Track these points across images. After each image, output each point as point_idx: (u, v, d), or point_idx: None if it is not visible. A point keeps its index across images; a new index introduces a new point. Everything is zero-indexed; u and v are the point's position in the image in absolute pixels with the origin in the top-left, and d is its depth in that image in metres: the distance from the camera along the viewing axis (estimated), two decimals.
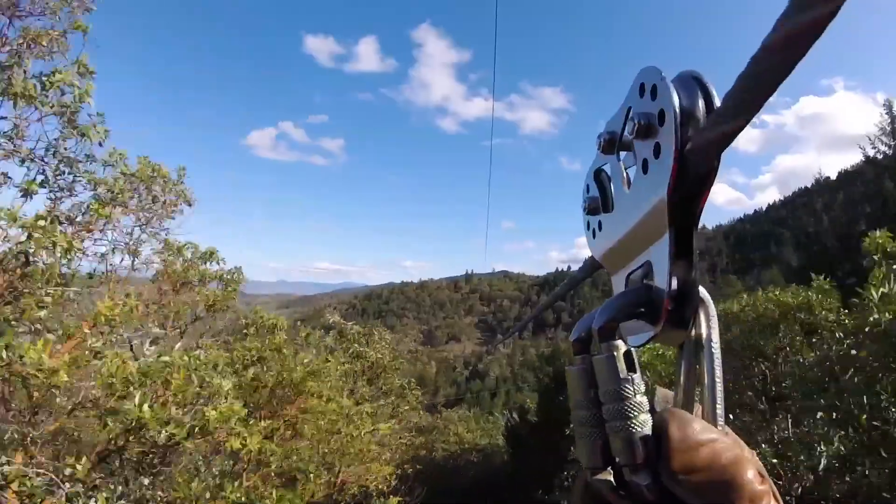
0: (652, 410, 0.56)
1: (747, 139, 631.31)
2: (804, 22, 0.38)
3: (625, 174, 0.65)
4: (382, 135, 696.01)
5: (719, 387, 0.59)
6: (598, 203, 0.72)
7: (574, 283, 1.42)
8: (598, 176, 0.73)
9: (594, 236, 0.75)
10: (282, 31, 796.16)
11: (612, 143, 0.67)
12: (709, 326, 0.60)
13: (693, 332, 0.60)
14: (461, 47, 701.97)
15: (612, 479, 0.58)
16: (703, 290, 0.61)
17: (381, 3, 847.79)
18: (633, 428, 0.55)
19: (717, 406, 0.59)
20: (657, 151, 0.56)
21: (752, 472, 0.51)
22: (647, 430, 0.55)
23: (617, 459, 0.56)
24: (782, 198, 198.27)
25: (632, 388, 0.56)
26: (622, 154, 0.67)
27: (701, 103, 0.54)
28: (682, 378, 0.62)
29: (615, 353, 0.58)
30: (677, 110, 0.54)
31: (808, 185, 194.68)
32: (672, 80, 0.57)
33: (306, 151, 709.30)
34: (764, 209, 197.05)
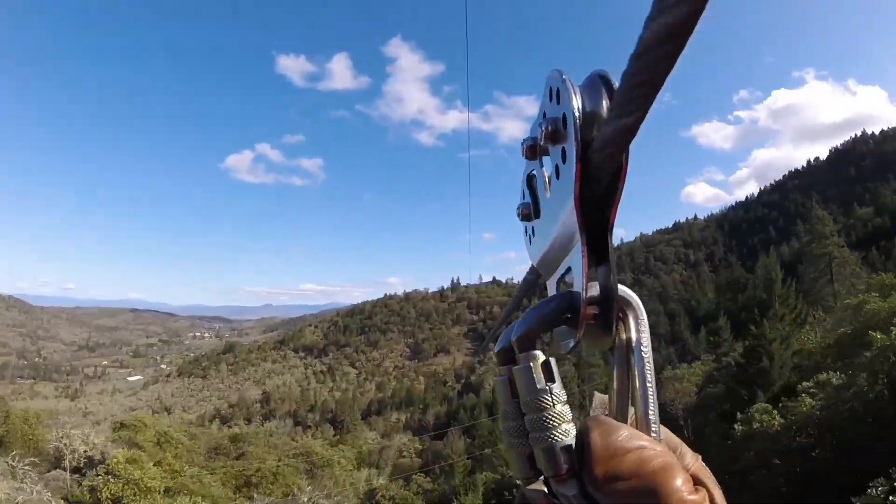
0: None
1: (723, 137, 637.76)
2: (669, 22, 0.40)
3: (546, 179, 0.66)
4: (360, 152, 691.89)
5: (651, 391, 0.59)
6: (530, 209, 0.73)
7: (524, 291, 1.38)
8: (531, 182, 0.73)
9: (530, 242, 0.76)
10: (253, 53, 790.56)
11: (533, 149, 0.67)
12: (638, 330, 0.61)
13: (623, 336, 0.61)
14: (433, 60, 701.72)
15: (544, 489, 0.58)
16: (630, 293, 0.62)
17: (351, 20, 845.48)
18: (553, 438, 0.55)
19: (650, 411, 0.58)
20: (564, 156, 0.57)
21: (680, 480, 0.50)
22: (570, 439, 0.55)
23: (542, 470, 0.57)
24: (761, 189, 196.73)
25: (550, 399, 0.56)
26: (545, 158, 0.66)
27: (605, 103, 0.55)
28: (615, 383, 0.63)
29: (531, 364, 0.58)
30: (576, 113, 0.54)
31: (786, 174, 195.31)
32: (583, 81, 0.58)
33: (284, 172, 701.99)
34: (756, 194, 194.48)
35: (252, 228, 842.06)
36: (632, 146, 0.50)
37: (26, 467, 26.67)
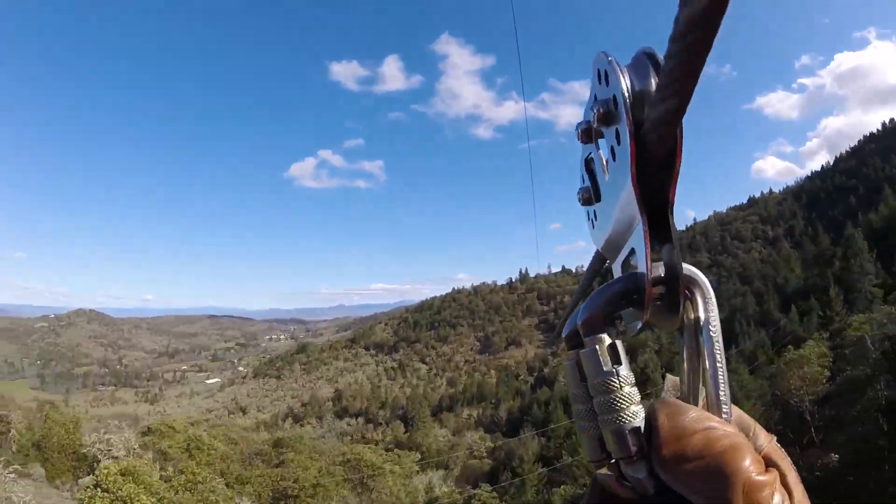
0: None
1: (788, 107, 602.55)
2: (704, 2, 0.40)
3: (603, 162, 0.66)
4: (419, 151, 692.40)
5: (721, 371, 0.57)
6: (591, 193, 0.71)
7: (590, 276, 1.37)
8: (589, 165, 0.72)
9: (593, 227, 0.75)
10: (307, 63, 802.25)
11: (588, 133, 0.66)
12: (706, 309, 0.59)
13: (691, 316, 0.60)
14: (484, 53, 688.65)
15: (615, 472, 0.59)
16: (696, 271, 0.60)
17: (398, 22, 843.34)
18: (621, 420, 0.55)
19: (721, 392, 0.57)
20: (618, 137, 0.56)
21: (749, 460, 0.49)
22: (639, 421, 0.55)
23: (611, 453, 0.57)
24: (836, 157, 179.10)
25: (617, 381, 0.56)
26: (600, 141, 0.66)
27: (654, 80, 0.54)
28: (684, 364, 0.61)
29: (597, 347, 0.58)
30: (626, 93, 0.54)
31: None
32: (630, 60, 0.57)
33: (347, 176, 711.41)
34: (831, 162, 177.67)
35: (320, 232, 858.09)
36: (695, 124, 0.49)
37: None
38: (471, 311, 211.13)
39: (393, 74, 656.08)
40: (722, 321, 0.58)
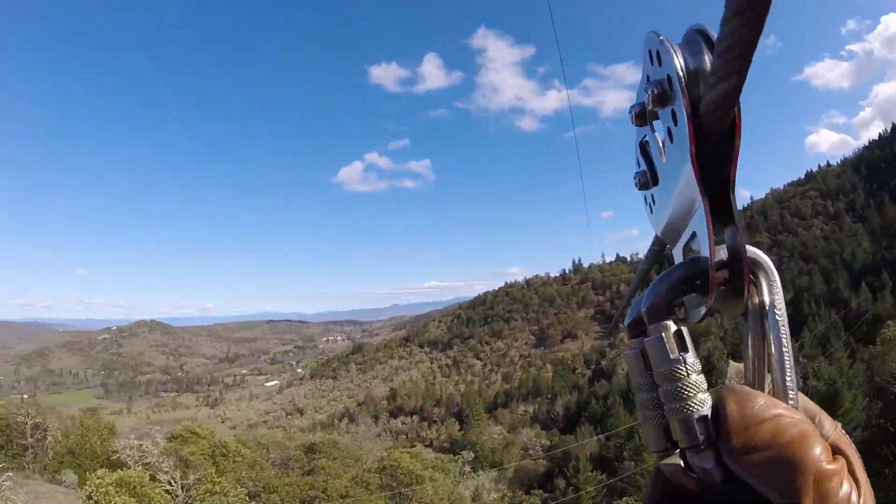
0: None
1: (838, 75, 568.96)
2: None
3: (660, 144, 0.64)
4: (464, 147, 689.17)
5: (788, 356, 0.56)
6: (647, 177, 0.69)
7: (650, 262, 1.36)
8: (644, 148, 0.70)
9: (651, 211, 0.73)
10: (346, 69, 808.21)
11: (642, 115, 0.65)
12: (771, 292, 0.57)
13: (756, 300, 0.58)
14: (522, 44, 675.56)
15: (680, 462, 0.57)
16: (760, 254, 0.59)
17: (433, 21, 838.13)
18: (689, 409, 0.53)
19: (787, 378, 0.55)
20: (675, 118, 0.55)
21: (818, 449, 0.48)
22: (706, 409, 0.53)
23: (678, 442, 0.55)
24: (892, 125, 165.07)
25: (684, 368, 0.54)
26: (655, 123, 0.64)
27: (707, 58, 0.53)
28: (749, 350, 0.59)
29: (663, 334, 0.56)
30: (680, 73, 0.53)
31: None
32: (682, 39, 0.56)
33: (395, 177, 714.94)
34: (889, 130, 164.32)
35: (372, 234, 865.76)
36: (743, 100, 0.47)
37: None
38: (524, 305, 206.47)
39: (432, 73, 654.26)
40: (788, 303, 0.56)
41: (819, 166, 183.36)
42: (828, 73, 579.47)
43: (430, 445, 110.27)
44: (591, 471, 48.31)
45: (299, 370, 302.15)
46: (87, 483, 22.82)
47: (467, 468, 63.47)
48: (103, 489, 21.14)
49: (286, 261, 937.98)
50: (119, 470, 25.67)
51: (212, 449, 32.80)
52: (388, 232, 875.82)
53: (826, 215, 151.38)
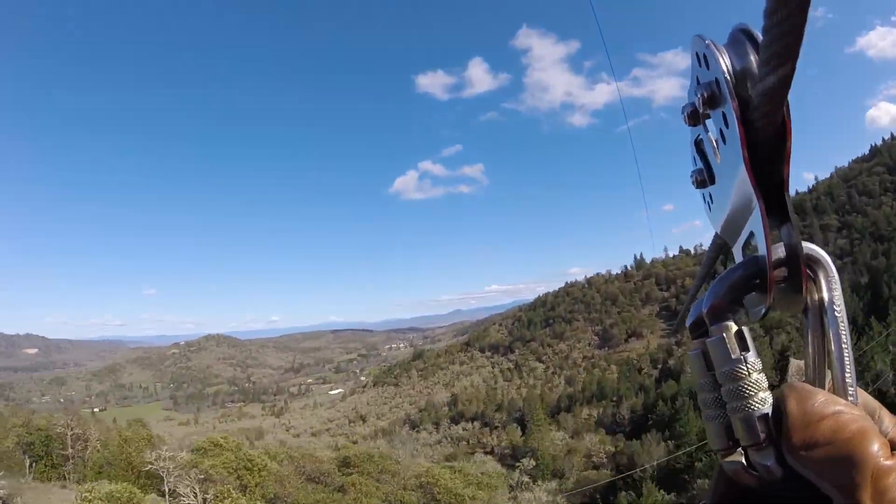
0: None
1: (891, 43, 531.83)
2: None
3: (714, 144, 0.64)
4: (517, 148, 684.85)
5: (847, 352, 0.55)
6: (704, 175, 0.69)
7: (711, 260, 1.31)
8: (700, 147, 0.70)
9: (710, 209, 0.72)
10: (394, 81, 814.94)
11: (694, 115, 0.64)
12: (829, 288, 0.57)
13: (815, 297, 0.57)
14: (566, 39, 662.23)
15: (742, 460, 0.58)
16: (817, 250, 0.58)
17: (473, 25, 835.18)
18: (751, 407, 0.54)
19: (847, 374, 0.55)
20: (726, 120, 0.55)
21: (876, 445, 0.48)
22: (767, 407, 0.54)
23: (740, 440, 0.56)
24: None
25: (745, 368, 0.55)
26: (708, 122, 0.65)
27: (753, 58, 0.53)
28: (809, 347, 0.59)
29: (724, 335, 0.57)
30: (727, 75, 0.53)
31: None
32: (727, 39, 0.57)
33: (450, 183, 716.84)
34: None
35: (431, 242, 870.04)
36: (797, 78, 0.47)
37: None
38: (586, 305, 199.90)
39: (479, 77, 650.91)
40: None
41: (883, 139, 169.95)
42: (881, 41, 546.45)
43: (491, 452, 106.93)
44: (658, 489, 43.84)
45: (363, 378, 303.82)
46: (76, 496, 21.36)
47: (525, 478, 59.91)
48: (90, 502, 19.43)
49: (349, 272, 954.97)
50: (138, 480, 24.74)
51: (236, 462, 30.68)
52: (446, 239, 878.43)
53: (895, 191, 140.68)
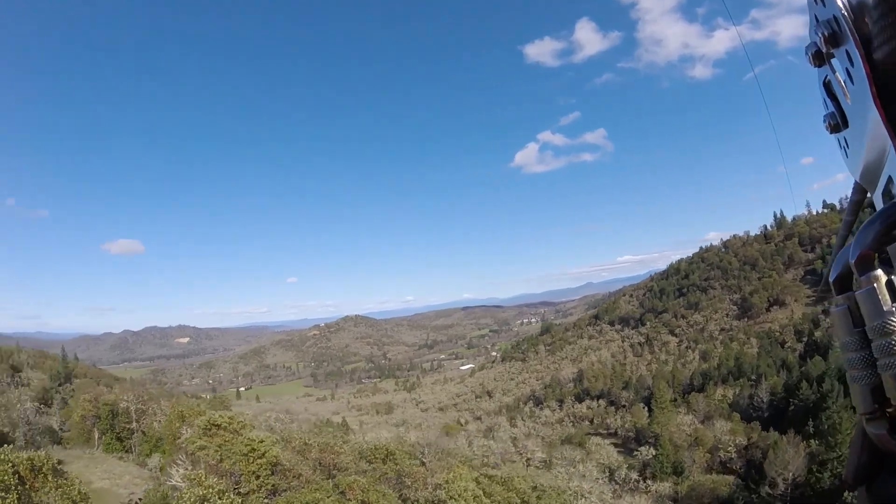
0: None
1: None
2: None
3: (842, 84, 0.59)
4: (638, 109, 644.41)
5: None
6: (837, 119, 0.64)
7: (853, 211, 1.18)
8: (829, 89, 0.64)
9: (846, 155, 0.67)
10: (503, 54, 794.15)
11: (818, 56, 0.60)
12: None
13: None
14: None
15: (887, 423, 0.53)
16: None
17: None
18: None
19: None
20: (850, 58, 0.52)
21: None
22: None
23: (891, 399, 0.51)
24: None
25: None
26: (834, 62, 0.60)
27: None
28: None
29: (874, 286, 0.52)
30: (844, 12, 0.50)
31: None
32: None
33: (572, 152, 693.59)
34: None
35: (558, 213, 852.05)
36: None
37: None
38: (723, 271, 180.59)
39: (588, 38, 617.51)
40: None
41: None
42: None
43: (614, 434, 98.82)
44: None
45: (493, 353, 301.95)
46: None
47: (634, 475, 51.76)
48: None
49: (479, 250, 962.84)
50: None
51: (236, 446, 26.65)
52: (573, 210, 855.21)
53: None
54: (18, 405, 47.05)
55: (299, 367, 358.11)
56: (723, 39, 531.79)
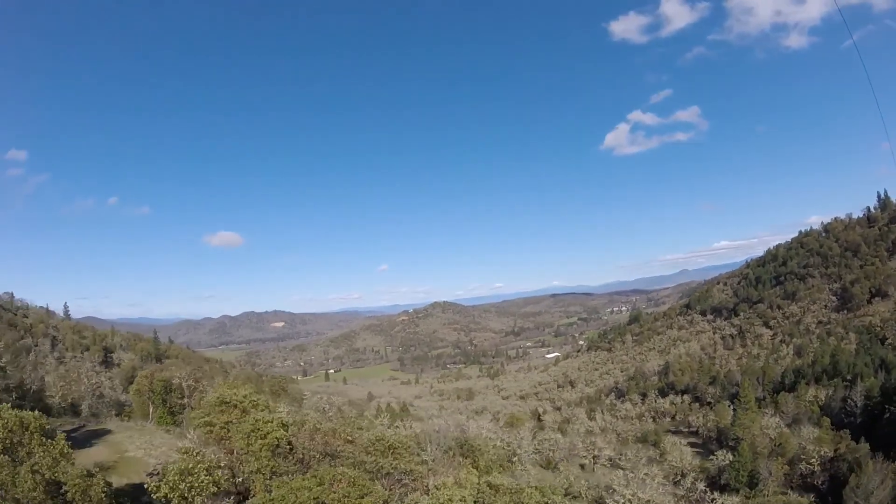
0: None
1: None
2: None
3: None
4: (733, 83, 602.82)
5: None
6: None
7: None
8: None
9: None
10: (587, 32, 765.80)
11: None
12: None
13: None
14: None
15: None
16: None
17: None
18: None
19: None
20: None
21: None
22: None
23: None
24: None
25: None
26: None
27: None
28: None
29: None
30: None
31: None
32: None
33: (665, 132, 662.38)
34: None
35: (651, 197, 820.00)
36: None
37: None
38: (823, 258, 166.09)
39: (675, 11, 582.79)
40: None
41: None
42: None
43: (696, 433, 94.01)
44: None
45: (580, 342, 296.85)
46: None
47: (701, 485, 48.37)
48: None
49: (570, 236, 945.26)
50: None
51: (243, 424, 26.78)
52: (668, 194, 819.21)
53: None
54: (86, 380, 52.26)
55: (387, 351, 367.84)
56: (816, 4, 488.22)
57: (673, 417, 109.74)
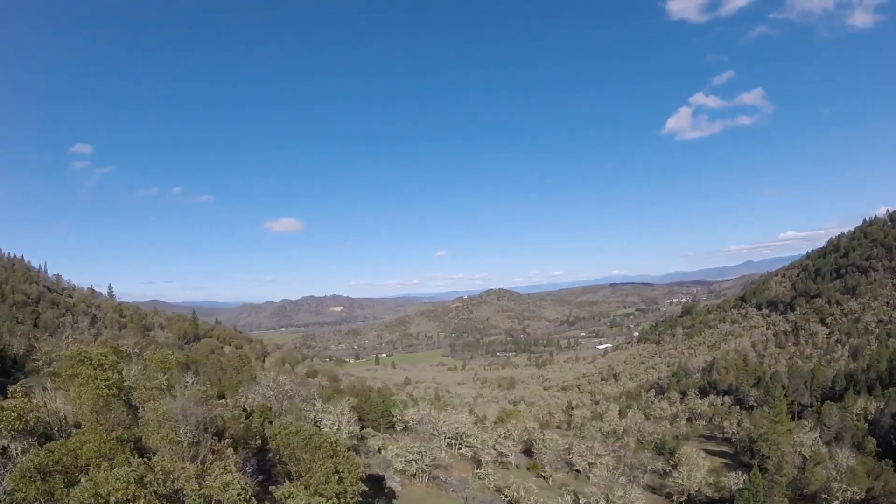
0: None
1: None
2: None
3: None
4: (799, 64, 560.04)
5: None
6: None
7: None
8: None
9: None
10: (644, 13, 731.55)
11: None
12: None
13: None
14: None
15: None
16: None
17: None
18: None
19: None
20: None
21: None
22: None
23: None
24: None
25: None
26: None
27: None
28: None
29: None
30: None
31: None
32: None
33: (728, 115, 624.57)
34: None
35: (715, 184, 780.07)
36: None
37: None
38: (887, 249, 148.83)
39: None
40: None
41: None
42: None
43: (728, 440, 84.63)
44: None
45: (635, 333, 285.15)
46: None
47: None
48: None
49: (631, 225, 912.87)
50: None
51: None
52: (732, 181, 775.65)
53: None
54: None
55: (440, 336, 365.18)
56: None
57: (710, 420, 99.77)
